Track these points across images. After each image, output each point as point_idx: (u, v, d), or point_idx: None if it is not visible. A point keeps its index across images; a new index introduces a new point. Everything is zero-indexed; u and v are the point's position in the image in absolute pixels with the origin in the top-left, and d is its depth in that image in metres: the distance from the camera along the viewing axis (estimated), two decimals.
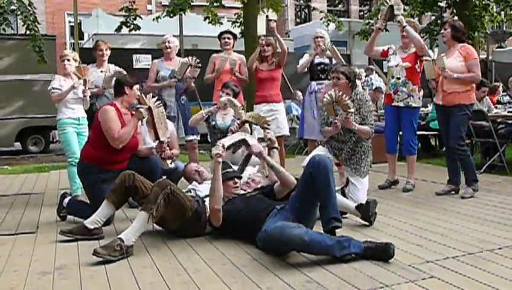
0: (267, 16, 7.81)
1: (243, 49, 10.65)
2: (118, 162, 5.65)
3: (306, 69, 7.95)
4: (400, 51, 7.19)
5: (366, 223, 5.27)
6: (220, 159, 4.73)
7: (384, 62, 7.70)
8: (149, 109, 5.67)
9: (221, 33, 8.26)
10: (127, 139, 5.56)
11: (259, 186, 5.33)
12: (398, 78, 7.05)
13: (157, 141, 5.89)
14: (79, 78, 6.79)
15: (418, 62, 7.06)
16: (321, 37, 7.90)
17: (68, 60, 6.98)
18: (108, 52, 7.49)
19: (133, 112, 5.73)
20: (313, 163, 4.57)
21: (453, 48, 6.59)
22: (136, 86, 5.85)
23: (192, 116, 7.18)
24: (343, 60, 8.06)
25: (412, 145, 7.21)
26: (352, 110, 5.89)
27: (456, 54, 6.51)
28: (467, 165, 6.69)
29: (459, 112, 6.53)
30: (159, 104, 5.81)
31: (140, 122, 5.77)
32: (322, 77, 7.82)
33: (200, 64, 7.58)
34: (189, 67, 7.56)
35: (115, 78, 6.32)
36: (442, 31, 6.79)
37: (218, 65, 7.88)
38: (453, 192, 6.79)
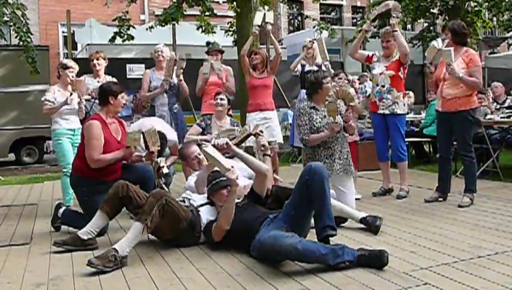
0: (264, 15, 7.81)
1: (235, 59, 10.63)
2: (109, 173, 5.62)
3: (297, 72, 8.03)
4: (383, 59, 7.23)
5: (370, 233, 5.30)
6: (239, 183, 4.74)
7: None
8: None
9: (210, 50, 8.19)
10: (104, 164, 5.53)
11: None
12: (383, 86, 7.09)
13: (147, 151, 5.88)
14: (72, 92, 6.75)
15: (402, 69, 7.12)
16: (308, 45, 8.00)
17: (71, 72, 6.92)
18: (102, 62, 7.44)
19: (121, 121, 5.74)
20: (309, 171, 4.57)
21: (457, 52, 6.48)
22: (121, 95, 5.77)
23: (187, 133, 7.19)
24: (327, 54, 8.14)
25: (402, 152, 7.21)
26: (356, 102, 5.99)
27: (459, 60, 6.43)
28: (471, 174, 6.64)
29: (461, 119, 6.47)
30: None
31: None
32: None
33: (184, 57, 7.54)
34: (175, 63, 7.50)
35: (100, 87, 6.08)
36: (444, 36, 6.71)
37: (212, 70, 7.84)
38: (441, 199, 6.79)
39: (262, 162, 5.32)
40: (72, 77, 6.90)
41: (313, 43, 8.12)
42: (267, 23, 7.75)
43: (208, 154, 4.77)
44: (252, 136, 5.64)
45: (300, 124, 6.25)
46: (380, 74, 7.08)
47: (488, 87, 14.39)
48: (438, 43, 6.54)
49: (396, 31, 6.99)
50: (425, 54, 6.72)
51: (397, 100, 7.09)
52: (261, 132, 5.60)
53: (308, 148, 6.32)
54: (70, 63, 7.09)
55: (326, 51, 8.11)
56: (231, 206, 4.68)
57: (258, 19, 7.74)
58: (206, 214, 5.00)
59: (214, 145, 4.97)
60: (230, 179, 4.69)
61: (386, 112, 7.13)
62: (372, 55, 7.33)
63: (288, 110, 13.73)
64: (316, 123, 6.16)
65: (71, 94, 6.72)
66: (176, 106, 7.71)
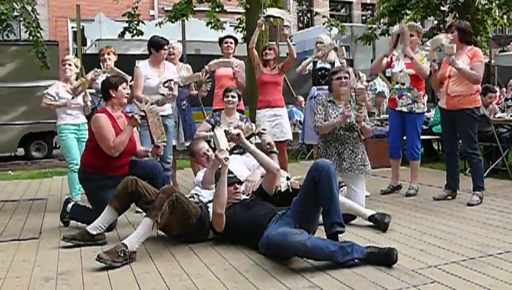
0: (282, 20, 7.81)
1: (245, 55, 10.63)
2: (118, 168, 5.64)
3: (307, 72, 8.03)
4: (403, 57, 7.13)
5: (379, 230, 5.30)
6: (228, 163, 4.73)
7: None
8: (144, 114, 5.67)
9: (223, 38, 8.23)
10: (123, 147, 5.53)
11: (255, 188, 5.35)
12: (403, 84, 7.03)
13: (153, 145, 5.89)
14: (79, 89, 6.80)
15: None
16: (320, 42, 7.98)
17: (70, 65, 7.02)
18: (112, 56, 7.47)
19: (128, 115, 5.75)
20: (316, 167, 4.56)
21: (461, 50, 6.46)
22: (123, 85, 5.79)
23: (197, 130, 7.19)
24: (344, 55, 8.08)
25: (416, 151, 7.19)
26: (365, 105, 6.05)
27: (464, 57, 6.41)
28: (477, 171, 6.64)
29: (465, 117, 6.46)
30: (152, 108, 5.79)
31: (135, 128, 5.75)
32: (323, 82, 7.89)
33: (210, 81, 7.53)
34: (201, 84, 7.50)
35: (101, 83, 6.16)
36: (449, 34, 6.68)
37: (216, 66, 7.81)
38: (450, 197, 6.78)
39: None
40: (68, 68, 6.99)
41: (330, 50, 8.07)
42: (285, 26, 7.73)
43: (215, 135, 4.79)
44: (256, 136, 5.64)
45: (316, 112, 6.28)
46: (400, 71, 7.03)
47: (497, 86, 14.38)
48: (443, 39, 6.51)
49: (413, 58, 6.83)
50: (429, 43, 6.63)
51: (417, 99, 7.05)
52: (264, 130, 5.60)
53: (321, 143, 6.35)
54: (65, 57, 7.31)
55: (344, 54, 8.09)
56: (220, 188, 4.68)
57: (275, 12, 7.72)
58: None
59: (225, 131, 4.97)
60: (217, 157, 4.73)
61: (404, 109, 7.09)
62: (391, 58, 7.25)
63: (293, 108, 13.72)
64: (331, 117, 6.17)
65: (73, 98, 6.79)
66: (184, 102, 7.69)
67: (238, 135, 4.97)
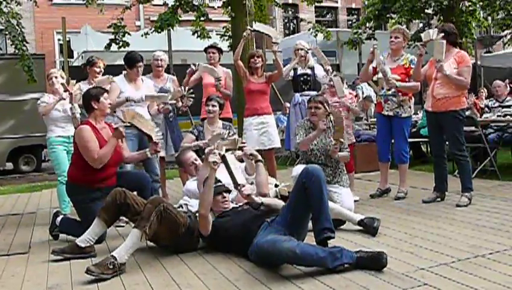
0: (270, 38, 7.78)
1: (232, 63, 10.66)
2: (104, 179, 5.60)
3: (289, 77, 8.05)
4: (389, 60, 7.12)
5: (368, 234, 5.30)
6: (216, 167, 4.74)
7: None
8: (130, 124, 5.67)
9: (207, 48, 8.25)
10: (107, 159, 5.48)
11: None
12: (388, 89, 7.03)
13: (151, 143, 5.84)
14: (65, 91, 6.80)
15: (407, 77, 6.98)
16: (301, 49, 7.99)
17: (56, 78, 7.01)
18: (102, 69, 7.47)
19: (112, 125, 5.73)
20: (306, 173, 4.56)
21: (448, 53, 6.47)
22: (104, 96, 5.73)
23: (182, 142, 7.15)
24: (326, 59, 7.98)
25: (404, 154, 7.20)
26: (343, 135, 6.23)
27: (451, 61, 6.43)
28: (465, 172, 6.66)
29: (451, 119, 6.48)
30: (133, 114, 5.78)
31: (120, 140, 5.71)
32: (305, 88, 7.93)
33: (193, 95, 7.51)
34: (183, 97, 7.49)
35: (82, 95, 6.17)
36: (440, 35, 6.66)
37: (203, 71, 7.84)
38: (438, 199, 6.80)
39: (256, 169, 5.37)
40: (55, 81, 7.00)
41: (307, 53, 8.10)
42: (274, 43, 7.69)
43: (226, 162, 4.81)
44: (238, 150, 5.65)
45: (297, 134, 6.46)
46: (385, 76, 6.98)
47: (481, 87, 14.49)
48: (433, 33, 6.47)
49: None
50: (422, 36, 6.62)
51: (402, 103, 7.03)
52: (243, 143, 5.60)
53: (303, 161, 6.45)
54: (50, 71, 7.34)
55: (324, 56, 8.01)
56: (207, 191, 4.74)
57: (262, 28, 7.70)
58: None
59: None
60: (206, 160, 4.84)
61: (391, 114, 7.09)
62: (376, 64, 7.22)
63: (280, 115, 13.73)
64: (312, 144, 6.29)
65: (66, 91, 6.79)
66: (171, 114, 7.65)
67: (249, 195, 5.01)
